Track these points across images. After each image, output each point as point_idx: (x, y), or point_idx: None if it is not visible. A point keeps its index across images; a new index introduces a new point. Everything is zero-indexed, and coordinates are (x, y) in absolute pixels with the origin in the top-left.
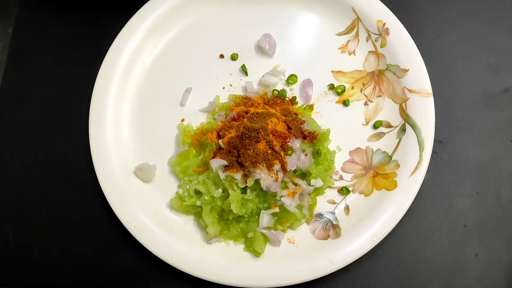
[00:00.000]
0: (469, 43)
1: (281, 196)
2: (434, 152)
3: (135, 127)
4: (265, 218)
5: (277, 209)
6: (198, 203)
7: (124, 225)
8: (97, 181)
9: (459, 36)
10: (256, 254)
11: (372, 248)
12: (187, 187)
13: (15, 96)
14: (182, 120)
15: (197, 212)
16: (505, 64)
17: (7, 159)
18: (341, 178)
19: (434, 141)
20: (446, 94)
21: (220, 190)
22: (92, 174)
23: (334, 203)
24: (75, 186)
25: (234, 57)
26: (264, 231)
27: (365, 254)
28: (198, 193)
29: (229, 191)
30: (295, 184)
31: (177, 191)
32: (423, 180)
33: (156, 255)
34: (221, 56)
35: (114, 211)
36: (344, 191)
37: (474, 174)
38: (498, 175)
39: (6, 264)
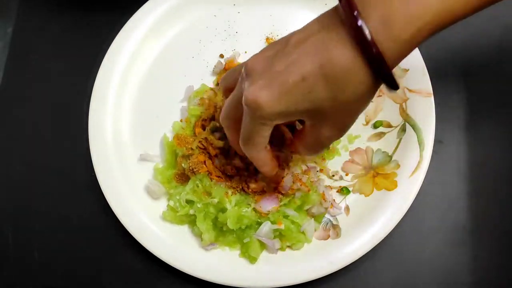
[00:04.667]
0: (470, 43)
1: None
2: (434, 152)
3: (135, 128)
4: (265, 229)
5: (282, 226)
6: (191, 211)
7: (124, 225)
8: (97, 182)
9: (460, 36)
10: (251, 259)
11: (372, 248)
12: (177, 197)
13: (15, 95)
14: (181, 120)
15: (191, 221)
16: (506, 64)
17: (7, 159)
18: (341, 178)
19: (434, 141)
20: (447, 94)
21: (215, 200)
22: (92, 175)
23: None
24: (75, 186)
25: (233, 56)
26: (261, 238)
27: (365, 254)
28: (189, 202)
29: (225, 205)
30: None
31: (168, 204)
32: (423, 180)
33: (156, 255)
34: (221, 55)
35: (114, 211)
36: (344, 191)
37: (474, 174)
38: (499, 176)
39: (5, 264)
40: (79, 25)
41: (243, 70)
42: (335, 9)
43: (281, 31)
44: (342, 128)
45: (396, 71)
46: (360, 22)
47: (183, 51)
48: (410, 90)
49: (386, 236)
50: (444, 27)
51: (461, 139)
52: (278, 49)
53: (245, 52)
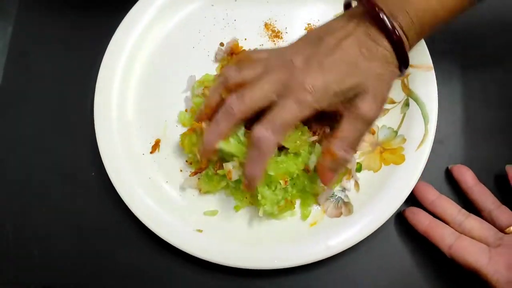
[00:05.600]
0: (471, 41)
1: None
2: (434, 152)
3: (140, 119)
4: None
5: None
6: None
7: (134, 212)
8: (97, 182)
9: (461, 27)
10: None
11: (378, 228)
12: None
13: (15, 95)
14: (186, 110)
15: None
16: (507, 60)
17: (7, 158)
18: None
19: (434, 142)
20: (447, 93)
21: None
22: (92, 174)
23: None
24: (75, 186)
25: (235, 45)
26: None
27: (373, 233)
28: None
29: None
30: None
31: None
32: (422, 179)
33: (170, 242)
34: (221, 44)
35: (125, 201)
36: (357, 166)
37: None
38: (499, 176)
39: (5, 264)
40: (78, 24)
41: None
42: (357, 7)
43: (279, 17)
44: (382, 101)
45: None
46: (382, 15)
47: (183, 42)
48: (411, 65)
49: (394, 215)
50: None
51: (461, 139)
52: (312, 45)
53: (245, 39)
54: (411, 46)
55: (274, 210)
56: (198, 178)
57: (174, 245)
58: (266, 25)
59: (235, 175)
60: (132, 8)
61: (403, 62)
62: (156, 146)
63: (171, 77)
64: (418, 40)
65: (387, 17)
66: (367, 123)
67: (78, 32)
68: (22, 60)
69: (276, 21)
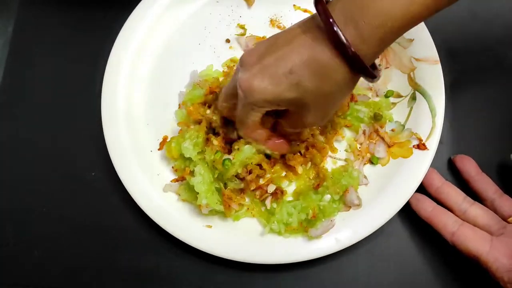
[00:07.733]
0: (471, 39)
1: None
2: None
3: (147, 121)
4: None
5: None
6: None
7: (144, 210)
8: (98, 182)
9: (461, 27)
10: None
11: (385, 223)
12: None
13: (16, 94)
14: (179, 106)
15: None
16: (508, 60)
17: (7, 158)
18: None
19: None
20: (446, 93)
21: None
22: (93, 174)
23: None
24: (75, 186)
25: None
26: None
27: (381, 228)
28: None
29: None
30: None
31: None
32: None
33: (180, 238)
34: (227, 40)
35: (135, 199)
36: (374, 159)
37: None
38: (499, 176)
39: (5, 264)
40: (79, 22)
41: (238, 61)
42: (313, 16)
43: (284, 12)
44: (323, 116)
45: (401, 41)
46: (336, 28)
47: (189, 39)
48: (416, 59)
49: (400, 211)
50: (408, 28)
51: (461, 139)
52: (267, 46)
53: (250, 35)
54: (374, 53)
55: (281, 229)
56: (180, 185)
57: (184, 241)
58: (271, 21)
59: (205, 210)
60: (138, 4)
61: (364, 74)
62: (164, 142)
63: (177, 74)
64: (381, 45)
65: (341, 31)
66: (309, 127)
67: (78, 30)
68: (22, 60)
69: (281, 17)
